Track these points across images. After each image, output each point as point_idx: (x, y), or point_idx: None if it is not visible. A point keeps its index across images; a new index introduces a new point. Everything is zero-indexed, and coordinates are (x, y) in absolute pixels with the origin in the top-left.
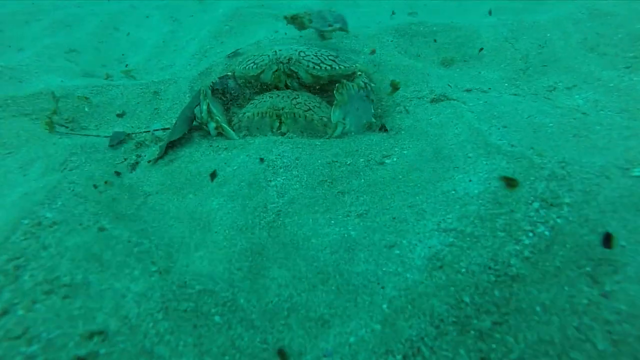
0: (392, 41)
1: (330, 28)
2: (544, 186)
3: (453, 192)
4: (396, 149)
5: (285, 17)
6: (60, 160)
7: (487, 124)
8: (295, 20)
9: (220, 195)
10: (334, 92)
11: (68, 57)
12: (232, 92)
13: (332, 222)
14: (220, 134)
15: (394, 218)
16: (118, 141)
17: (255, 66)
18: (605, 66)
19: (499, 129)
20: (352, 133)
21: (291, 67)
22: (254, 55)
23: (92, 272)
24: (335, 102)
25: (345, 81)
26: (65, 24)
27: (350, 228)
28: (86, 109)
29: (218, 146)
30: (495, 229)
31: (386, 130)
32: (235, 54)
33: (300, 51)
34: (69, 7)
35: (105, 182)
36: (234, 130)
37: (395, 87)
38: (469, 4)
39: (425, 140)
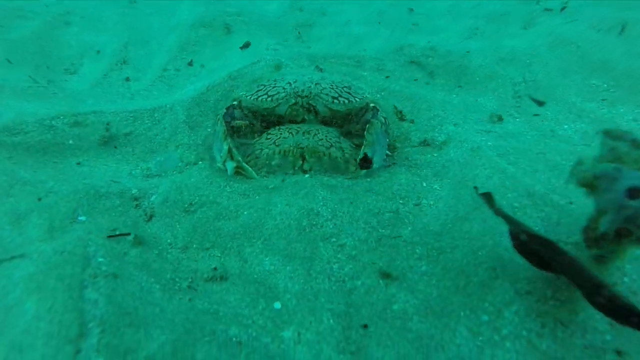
0: (389, 65)
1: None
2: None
3: None
4: (430, 194)
5: None
6: (68, 214)
7: (508, 162)
8: None
9: (271, 252)
10: (365, 132)
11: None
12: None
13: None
14: (239, 173)
15: None
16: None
17: (270, 99)
18: (584, 97)
19: (522, 169)
20: (376, 169)
21: (310, 102)
22: (265, 85)
23: None
24: (365, 142)
25: (374, 120)
26: None
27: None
28: (70, 142)
29: (240, 189)
30: None
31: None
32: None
33: (317, 83)
34: None
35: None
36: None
37: (401, 117)
38: (437, 23)
39: (454, 180)
